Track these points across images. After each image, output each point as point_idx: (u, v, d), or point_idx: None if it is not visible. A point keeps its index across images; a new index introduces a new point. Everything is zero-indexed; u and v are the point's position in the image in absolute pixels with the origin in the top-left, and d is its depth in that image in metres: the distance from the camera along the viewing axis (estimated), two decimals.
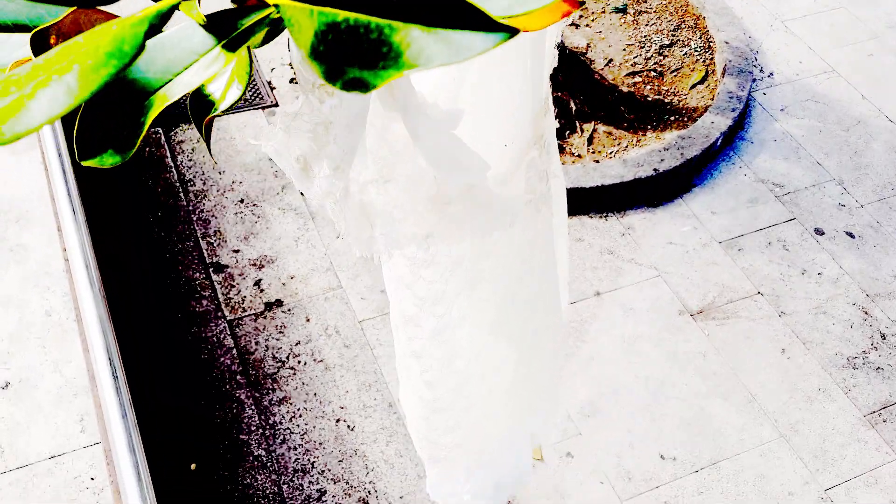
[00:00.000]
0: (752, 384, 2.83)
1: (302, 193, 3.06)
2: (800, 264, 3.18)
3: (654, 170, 3.26)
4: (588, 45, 3.73)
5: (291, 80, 3.65)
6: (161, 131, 3.18)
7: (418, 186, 0.88)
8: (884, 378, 2.86)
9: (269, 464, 2.53)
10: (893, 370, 2.88)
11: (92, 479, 1.98)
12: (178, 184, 3.13)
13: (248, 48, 0.56)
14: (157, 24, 0.48)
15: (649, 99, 3.60)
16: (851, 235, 3.29)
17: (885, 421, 2.76)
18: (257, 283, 2.96)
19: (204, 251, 3.00)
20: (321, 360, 2.78)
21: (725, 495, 2.57)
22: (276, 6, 0.46)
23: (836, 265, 3.18)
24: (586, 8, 3.87)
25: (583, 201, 3.24)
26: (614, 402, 2.77)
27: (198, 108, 0.61)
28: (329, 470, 2.54)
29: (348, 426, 2.64)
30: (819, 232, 3.29)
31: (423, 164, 0.80)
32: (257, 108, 3.41)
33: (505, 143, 1.08)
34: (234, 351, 2.77)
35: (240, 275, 2.96)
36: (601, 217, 3.29)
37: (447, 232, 0.97)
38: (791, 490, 2.59)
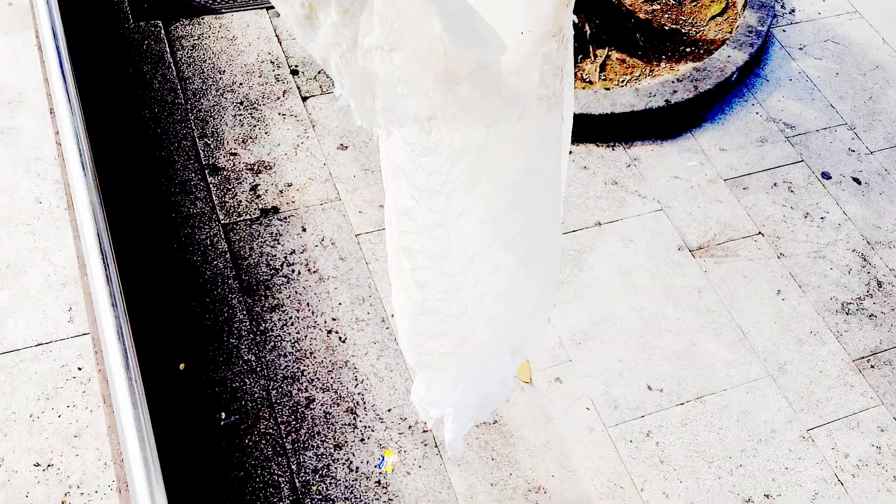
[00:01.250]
0: (744, 323, 2.82)
1: (296, 75, 2.99)
2: (803, 207, 3.14)
3: (666, 101, 3.18)
4: None
5: None
6: (161, 24, 3.09)
7: (426, 60, 0.82)
8: (876, 325, 2.85)
9: (258, 369, 2.53)
10: (886, 318, 2.88)
11: (79, 368, 1.97)
12: (176, 80, 3.05)
13: None
14: None
15: (666, 28, 3.50)
16: (858, 182, 3.24)
17: (872, 367, 2.76)
18: (254, 188, 2.91)
19: (200, 152, 2.94)
20: (315, 271, 2.76)
21: (709, 428, 2.59)
22: None
23: (840, 210, 3.14)
24: None
25: (591, 128, 3.17)
26: (607, 331, 2.77)
27: None
28: (318, 379, 2.54)
29: (340, 338, 2.63)
30: (826, 176, 3.24)
31: (436, 30, 0.75)
32: (261, 8, 3.30)
33: (522, 31, 1.02)
34: (228, 255, 2.74)
35: (236, 179, 2.91)
36: (608, 146, 3.23)
37: (452, 116, 0.92)
38: (774, 427, 2.61)
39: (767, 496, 2.48)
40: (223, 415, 2.42)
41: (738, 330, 2.80)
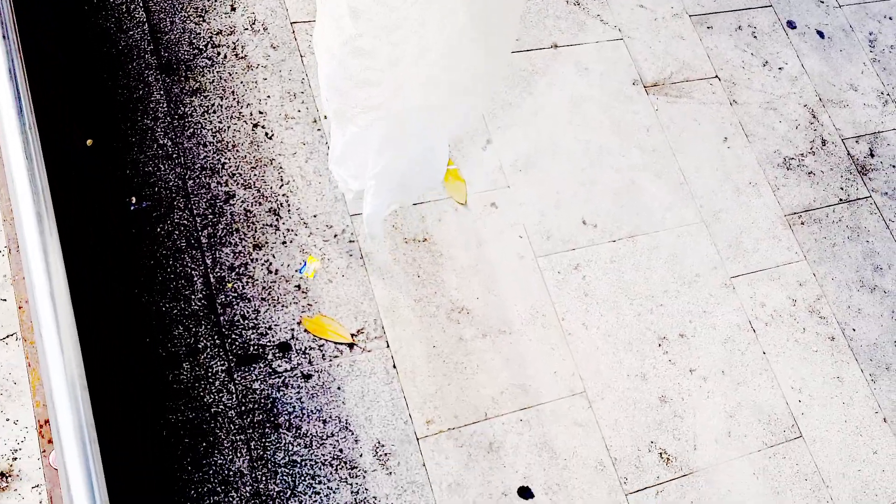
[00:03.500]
0: (687, 166, 2.76)
1: None
2: (764, 55, 3.02)
3: None
4: None
5: None
6: None
7: None
8: (813, 183, 2.85)
9: (174, 155, 2.31)
10: (824, 177, 2.87)
11: None
12: None
13: None
14: None
15: None
16: (822, 35, 3.13)
17: (802, 223, 2.78)
18: None
19: None
20: (244, 58, 2.49)
21: (636, 267, 2.58)
22: None
23: (799, 63, 3.04)
24: None
25: None
26: (549, 160, 2.66)
27: None
28: (240, 174, 2.35)
29: (266, 133, 2.42)
30: (791, 25, 3.11)
31: None
32: None
33: None
34: (146, 26, 2.43)
35: None
36: None
37: None
38: (699, 272, 2.62)
39: (682, 335, 2.52)
40: (134, 199, 2.22)
41: (680, 173, 2.74)
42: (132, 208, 2.19)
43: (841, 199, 2.85)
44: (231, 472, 1.98)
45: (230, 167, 2.34)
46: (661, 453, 2.35)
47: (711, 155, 2.80)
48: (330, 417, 2.13)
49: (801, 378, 2.55)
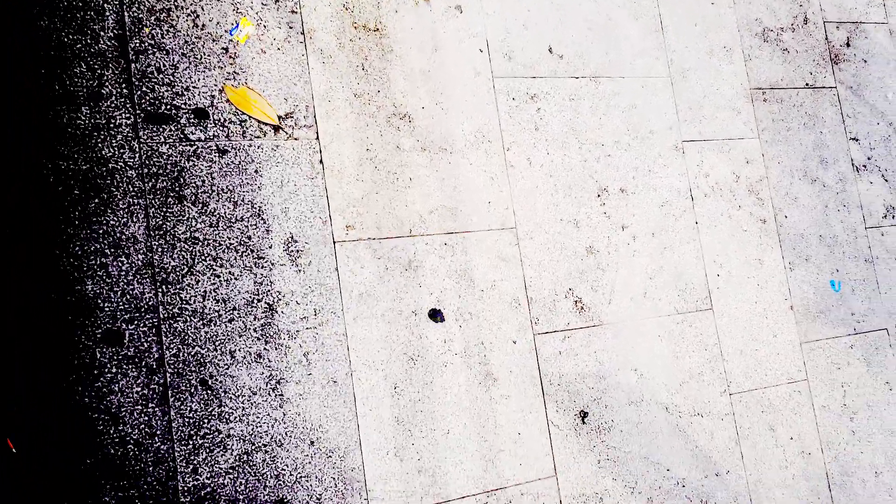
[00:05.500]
0: (667, 14, 2.56)
1: None
2: None
3: None
4: None
5: None
6: None
7: None
8: (785, 61, 2.72)
9: None
10: (797, 57, 2.74)
11: None
12: None
13: None
14: None
15: None
16: None
17: (765, 101, 2.67)
18: None
19: None
20: None
21: (593, 110, 2.42)
22: None
23: None
24: None
25: None
26: None
27: None
28: None
29: None
30: None
31: None
32: None
33: None
34: None
35: None
36: None
37: None
38: (653, 129, 2.49)
39: (623, 190, 2.42)
40: None
41: (658, 20, 2.54)
42: None
43: (807, 84, 2.74)
44: (124, 237, 1.76)
45: None
46: (576, 301, 2.30)
47: (694, 8, 2.61)
48: (242, 201, 1.92)
49: (725, 254, 2.52)
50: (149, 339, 1.74)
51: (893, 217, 2.78)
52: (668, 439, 2.32)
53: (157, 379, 1.74)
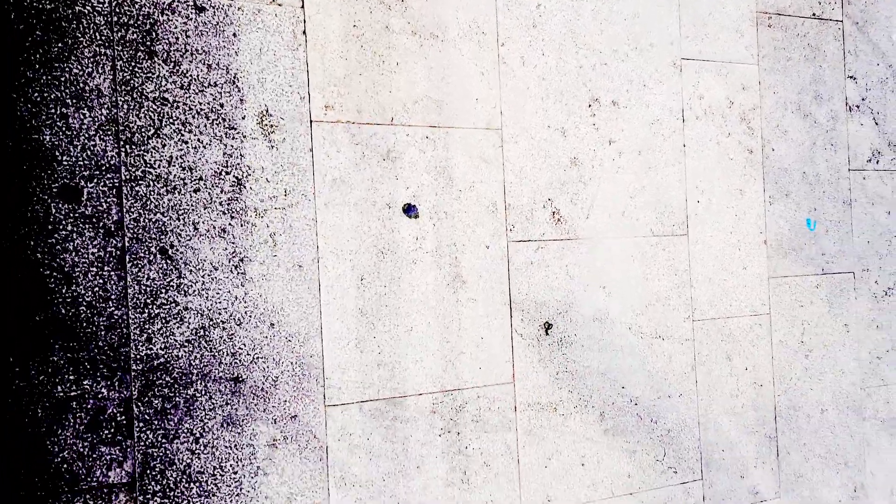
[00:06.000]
0: None
1: None
2: None
3: None
4: None
5: None
6: None
7: None
8: None
9: None
10: None
11: None
12: None
13: None
14: None
15: None
16: None
17: (770, 26, 2.58)
18: None
19: None
20: None
21: (595, 14, 2.30)
22: None
23: None
24: None
25: None
26: None
27: None
28: None
29: None
30: None
31: None
32: None
33: None
34: None
35: None
36: None
37: None
38: (654, 42, 2.39)
39: (615, 103, 2.34)
40: None
41: None
42: None
43: (814, 14, 2.65)
44: (87, 88, 1.64)
45: None
46: (554, 212, 2.24)
47: None
48: (217, 65, 1.80)
49: (708, 180, 2.47)
50: (108, 200, 1.65)
51: (878, 162, 2.75)
52: (627, 358, 2.33)
53: (114, 242, 1.66)
